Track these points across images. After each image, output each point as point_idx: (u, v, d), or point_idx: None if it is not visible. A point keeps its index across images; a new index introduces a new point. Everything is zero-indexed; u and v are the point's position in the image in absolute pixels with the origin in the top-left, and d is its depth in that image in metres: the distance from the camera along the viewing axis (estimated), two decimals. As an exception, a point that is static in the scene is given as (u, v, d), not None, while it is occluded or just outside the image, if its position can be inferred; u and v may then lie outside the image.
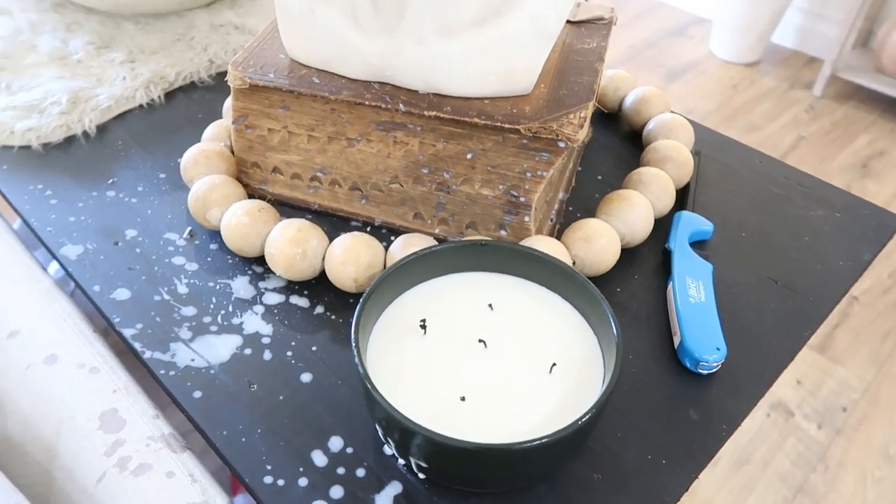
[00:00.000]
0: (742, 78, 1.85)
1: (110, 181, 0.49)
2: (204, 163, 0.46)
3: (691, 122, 0.55)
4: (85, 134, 0.53)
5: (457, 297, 0.37)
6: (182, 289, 0.42)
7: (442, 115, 0.40)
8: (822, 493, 0.99)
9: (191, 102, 0.57)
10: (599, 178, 0.51)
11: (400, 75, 0.41)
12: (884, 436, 1.07)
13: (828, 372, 1.16)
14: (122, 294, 0.41)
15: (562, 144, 0.40)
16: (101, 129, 0.54)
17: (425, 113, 0.41)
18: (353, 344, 0.32)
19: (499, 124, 0.40)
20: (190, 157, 0.46)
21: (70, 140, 0.53)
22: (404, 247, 0.41)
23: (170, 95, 0.58)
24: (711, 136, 0.56)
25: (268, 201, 0.48)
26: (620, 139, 0.55)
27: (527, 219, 0.43)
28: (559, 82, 0.42)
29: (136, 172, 0.50)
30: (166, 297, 0.41)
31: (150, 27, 0.64)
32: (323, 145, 0.45)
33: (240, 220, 0.42)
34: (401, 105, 0.41)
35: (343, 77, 0.43)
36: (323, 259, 0.41)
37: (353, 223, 0.47)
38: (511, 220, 0.43)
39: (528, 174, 0.41)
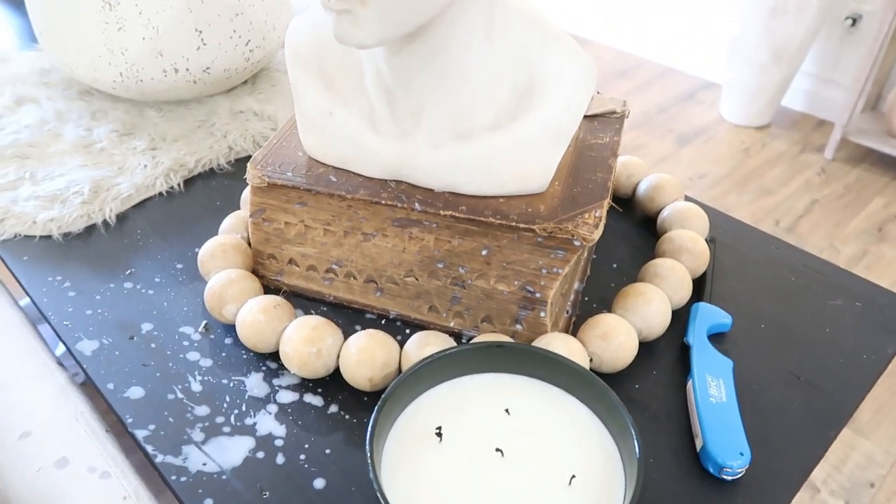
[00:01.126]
0: (753, 141, 1.86)
1: (128, 272, 0.50)
2: (221, 256, 0.46)
3: (705, 207, 0.55)
4: (105, 223, 0.54)
5: (473, 402, 0.36)
6: (196, 386, 0.42)
7: (457, 215, 0.41)
8: (854, 578, 0.95)
9: (209, 190, 0.58)
10: (615, 266, 0.51)
11: (416, 174, 0.42)
12: (915, 514, 1.03)
13: (853, 446, 1.12)
14: (136, 392, 0.41)
15: (577, 243, 0.40)
16: (121, 217, 0.55)
17: (441, 212, 0.41)
18: (369, 456, 0.31)
19: (514, 224, 0.40)
20: (207, 251, 0.47)
21: (90, 230, 0.53)
22: (420, 345, 0.40)
23: (189, 182, 0.59)
24: (726, 221, 0.56)
25: (283, 293, 0.49)
26: (634, 226, 0.55)
27: (542, 314, 0.42)
28: (573, 180, 0.43)
29: (153, 263, 0.51)
30: (180, 395, 0.41)
31: (172, 114, 0.66)
32: (339, 239, 0.45)
33: (255, 318, 0.42)
34: (416, 204, 0.41)
35: (359, 175, 0.43)
36: (338, 357, 0.41)
37: (368, 315, 0.47)
38: (527, 315, 0.43)
39: (544, 271, 0.41)
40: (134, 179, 0.57)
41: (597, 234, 0.39)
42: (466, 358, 0.37)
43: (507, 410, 0.36)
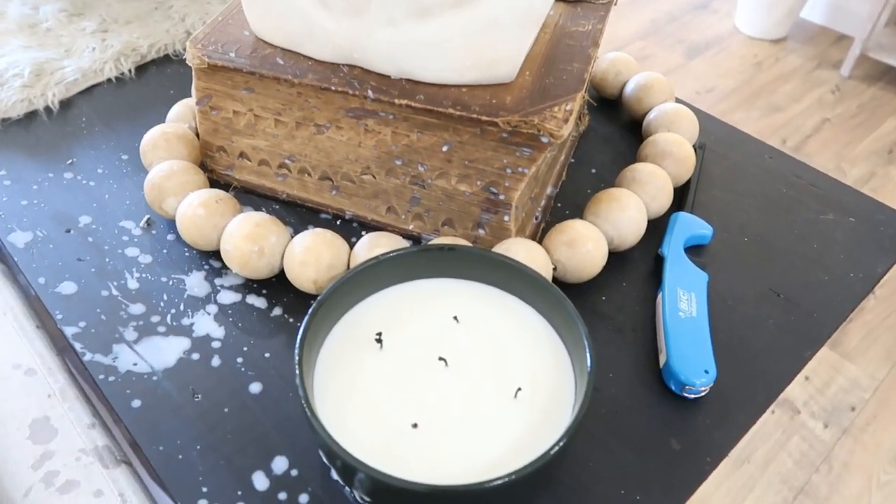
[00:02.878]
0: (767, 55, 1.78)
1: (69, 161, 0.46)
2: (164, 146, 0.43)
3: (697, 111, 0.51)
4: (47, 109, 0.50)
5: (420, 308, 0.34)
6: (132, 283, 0.39)
7: (414, 105, 0.37)
8: (825, 495, 0.96)
9: (163, 77, 0.54)
10: (594, 171, 0.47)
11: (370, 58, 0.37)
12: (892, 438, 1.03)
13: (838, 369, 1.12)
14: (68, 287, 0.39)
15: (545, 140, 0.36)
16: (65, 104, 0.51)
17: (396, 101, 0.37)
18: (297, 361, 0.29)
19: (475, 116, 0.36)
20: (149, 140, 0.43)
21: (31, 116, 0.50)
22: (370, 247, 0.37)
23: (141, 69, 0.54)
24: (719, 127, 0.52)
25: (233, 189, 0.45)
26: (620, 129, 0.51)
27: (506, 218, 0.39)
28: (546, 70, 0.38)
29: (97, 153, 0.47)
30: (115, 292, 0.38)
31: (127, -6, 0.60)
32: (291, 131, 0.42)
33: (195, 212, 0.39)
34: (370, 91, 0.37)
35: (310, 59, 0.39)
36: (282, 257, 0.38)
37: (323, 215, 0.44)
38: (490, 220, 0.40)
39: (509, 170, 0.38)
40: (81, 63, 0.53)
41: (566, 130, 0.35)
42: (414, 261, 0.34)
43: (455, 318, 0.33)
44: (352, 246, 0.38)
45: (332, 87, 0.38)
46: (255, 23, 0.40)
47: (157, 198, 0.41)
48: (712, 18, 1.85)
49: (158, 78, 0.54)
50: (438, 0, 0.35)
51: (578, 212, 0.43)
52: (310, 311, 0.30)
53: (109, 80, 0.53)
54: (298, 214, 0.44)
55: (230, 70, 0.39)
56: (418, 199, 0.41)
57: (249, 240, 0.37)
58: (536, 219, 0.43)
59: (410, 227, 0.42)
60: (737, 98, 1.63)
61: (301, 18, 0.38)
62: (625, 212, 0.40)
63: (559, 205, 0.45)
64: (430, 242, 0.38)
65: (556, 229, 0.39)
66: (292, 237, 0.38)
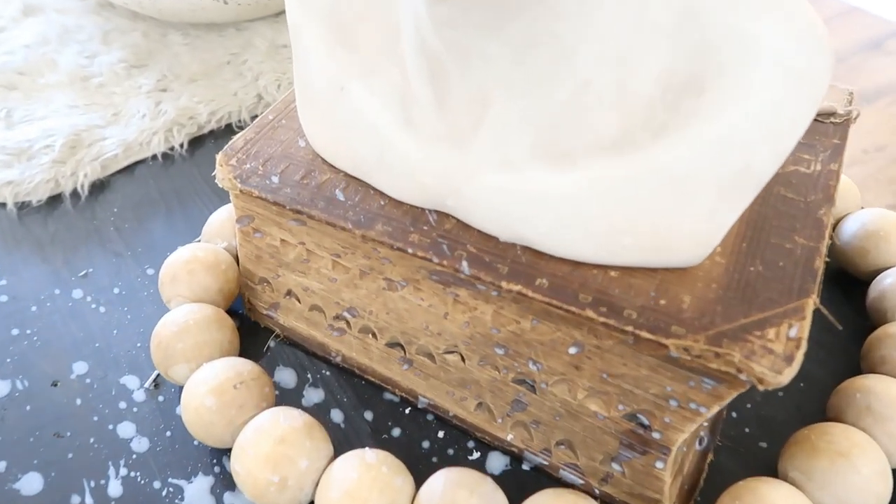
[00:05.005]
0: (951, 106, 1.50)
1: (83, 273, 0.36)
2: (186, 281, 0.32)
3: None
4: (75, 194, 0.40)
5: None
6: (114, 487, 0.28)
7: (530, 294, 0.23)
8: None
9: (219, 156, 0.43)
10: (785, 353, 0.32)
11: (470, 210, 0.24)
12: None
13: None
14: (31, 483, 0.28)
15: (744, 377, 0.21)
16: (97, 187, 0.41)
17: (503, 285, 0.24)
18: None
19: (630, 329, 0.22)
20: (170, 269, 0.32)
21: (54, 202, 0.40)
22: (445, 496, 0.24)
23: (196, 144, 0.44)
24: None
25: (276, 338, 0.34)
26: (827, 288, 0.35)
27: (659, 465, 0.25)
28: (750, 246, 0.24)
29: (118, 262, 0.37)
30: (88, 501, 0.27)
31: (200, 42, 0.51)
32: (353, 278, 0.29)
33: (203, 402, 0.27)
34: (464, 264, 0.24)
35: (382, 195, 0.27)
36: (315, 488, 0.26)
37: (388, 395, 0.31)
38: (632, 458, 0.26)
39: (673, 402, 0.24)
40: (126, 133, 0.43)
41: (787, 375, 0.21)
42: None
43: None
44: (419, 483, 0.26)
45: (409, 250, 0.25)
46: (312, 133, 0.28)
47: (163, 360, 0.29)
48: (887, 60, 1.59)
49: (213, 158, 0.43)
50: (588, 141, 0.22)
51: (758, 456, 0.28)
52: None
53: (155, 156, 0.43)
54: (355, 390, 0.31)
55: (268, 202, 0.27)
56: (524, 404, 0.27)
57: (268, 466, 0.25)
58: (691, 453, 0.28)
59: (509, 437, 0.29)
60: (912, 156, 1.37)
61: (373, 138, 0.25)
62: (857, 471, 0.25)
63: (719, 443, 0.30)
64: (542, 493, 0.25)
65: (734, 494, 0.25)
66: (332, 460, 0.26)
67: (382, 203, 0.26)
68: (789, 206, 0.25)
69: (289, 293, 0.32)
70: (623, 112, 0.21)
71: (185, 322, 0.30)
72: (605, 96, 0.21)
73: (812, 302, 0.22)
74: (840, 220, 0.35)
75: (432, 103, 0.23)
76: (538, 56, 0.21)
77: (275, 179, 0.27)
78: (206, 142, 0.44)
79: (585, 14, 0.20)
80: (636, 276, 0.23)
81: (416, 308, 0.28)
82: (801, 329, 0.21)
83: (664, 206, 0.21)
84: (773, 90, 0.20)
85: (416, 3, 0.21)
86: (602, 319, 0.22)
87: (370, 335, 0.31)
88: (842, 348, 0.31)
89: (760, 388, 0.21)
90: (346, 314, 0.31)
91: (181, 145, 0.43)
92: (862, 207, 0.36)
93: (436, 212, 0.26)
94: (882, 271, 0.32)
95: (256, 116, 0.46)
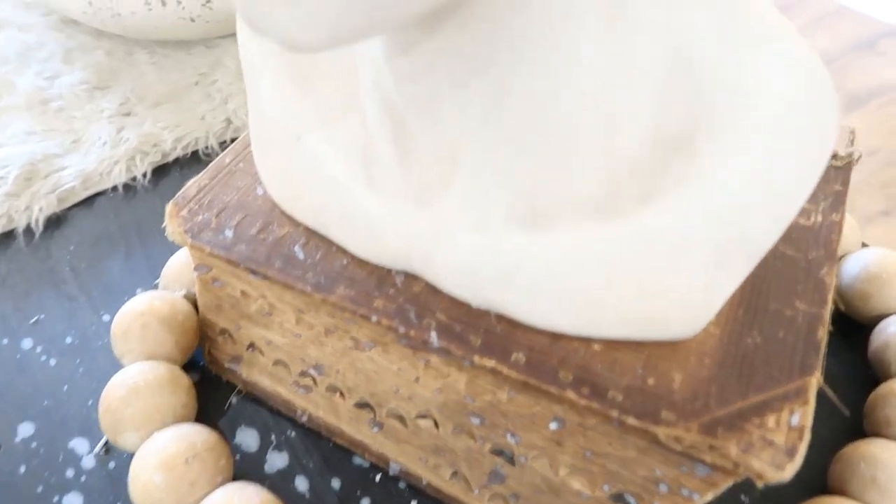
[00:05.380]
0: (944, 108, 1.48)
1: (33, 320, 0.34)
2: (138, 336, 0.29)
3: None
4: (28, 231, 0.38)
5: None
6: (57, 570, 0.26)
7: (504, 371, 0.21)
8: None
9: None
10: (783, 405, 0.30)
11: (440, 274, 0.22)
12: None
13: None
14: (-33, 565, 0.26)
15: (740, 469, 0.19)
16: (53, 223, 0.38)
17: (475, 360, 0.21)
18: None
19: (614, 414, 0.20)
20: (121, 323, 0.30)
21: (6, 239, 0.38)
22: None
23: (160, 173, 0.42)
24: None
25: (238, 394, 0.31)
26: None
27: (649, 549, 0.23)
28: (748, 313, 0.22)
29: (72, 307, 0.34)
30: (27, 585, 0.25)
31: (168, 61, 0.48)
32: (318, 335, 0.27)
33: (151, 478, 0.25)
34: (433, 335, 0.22)
35: (345, 252, 0.24)
36: (274, 575, 0.24)
37: (358, 461, 0.29)
38: (619, 539, 0.24)
39: (663, 487, 0.21)
40: (85, 163, 0.41)
41: (790, 469, 0.19)
42: None
43: None
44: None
45: (373, 318, 0.23)
46: (269, 183, 0.25)
47: (112, 426, 0.27)
48: (879, 61, 1.57)
49: (178, 189, 0.41)
50: (568, 203, 0.19)
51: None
52: None
53: (115, 187, 0.40)
54: (321, 453, 0.29)
55: (219, 258, 0.25)
56: (503, 476, 0.25)
57: (220, 554, 0.23)
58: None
59: (487, 509, 0.27)
60: (905, 159, 1.36)
61: (333, 192, 0.23)
62: (862, 554, 0.23)
63: None
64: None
65: (737, 578, 0.23)
66: (292, 543, 0.24)
67: (345, 262, 0.24)
68: (789, 264, 0.23)
69: (252, 346, 0.30)
70: (608, 173, 0.19)
71: (136, 384, 0.27)
72: (588, 156, 0.19)
73: (815, 381, 0.20)
74: (840, 259, 0.33)
75: (395, 160, 0.21)
76: (512, 112, 0.18)
77: (229, 234, 0.25)
78: (171, 171, 0.42)
79: (565, 66, 0.18)
80: (622, 351, 0.21)
81: (386, 370, 0.26)
82: (803, 416, 0.19)
83: (652, 277, 0.19)
84: (772, 145, 0.18)
85: (374, 53, 0.19)
86: (584, 402, 0.20)
87: (338, 394, 0.28)
88: (842, 400, 0.29)
89: (760, 483, 0.19)
90: (312, 371, 0.29)
91: (144, 175, 0.41)
92: (863, 244, 0.34)
93: (403, 273, 0.23)
94: (885, 317, 0.30)
95: (225, 143, 0.43)
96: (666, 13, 0.18)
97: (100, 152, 0.41)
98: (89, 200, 0.40)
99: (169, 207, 0.26)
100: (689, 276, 0.19)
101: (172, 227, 0.25)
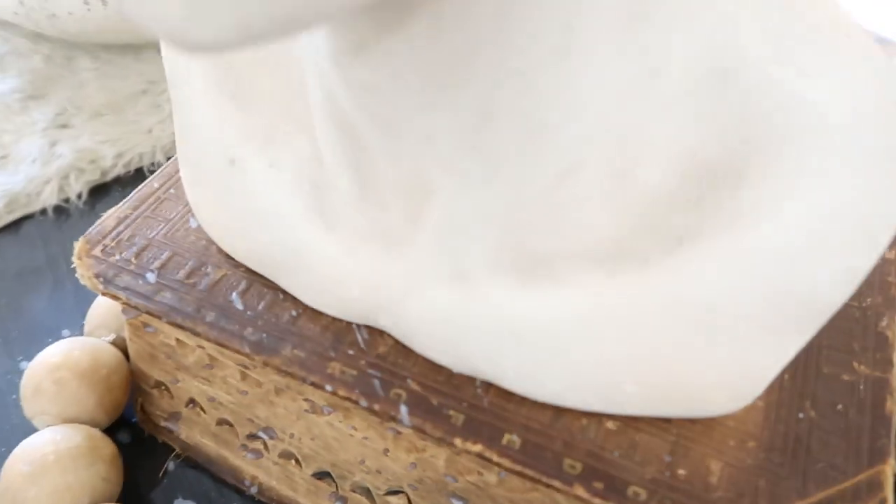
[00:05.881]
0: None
1: (-65, 372, 0.29)
2: (52, 393, 0.24)
3: None
4: (-62, 264, 0.33)
5: None
6: None
7: (494, 460, 0.17)
8: None
9: (125, 209, 0.36)
10: None
11: (412, 330, 0.18)
12: None
13: None
14: None
15: (800, 586, 0.15)
16: (-31, 253, 0.33)
17: (457, 443, 0.17)
18: None
19: (636, 518, 0.15)
20: (31, 378, 0.25)
21: (-88, 273, 0.32)
22: None
23: (99, 192, 0.37)
24: None
25: (175, 457, 0.26)
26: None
27: None
28: (797, 379, 0.17)
29: (-17, 356, 0.29)
30: None
31: (111, 67, 0.43)
32: (267, 394, 0.22)
33: (54, 583, 0.20)
34: (403, 412, 0.17)
35: (296, 301, 0.20)
36: None
37: (318, 541, 0.24)
38: None
39: None
40: (13, 181, 0.36)
41: None
42: None
43: None
44: None
45: (328, 387, 0.18)
46: (203, 215, 0.21)
47: (13, 511, 0.22)
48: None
49: (119, 210, 0.36)
50: (570, 249, 0.15)
51: None
52: None
53: (45, 210, 0.35)
54: (274, 533, 0.24)
55: (137, 309, 0.20)
56: (493, 569, 0.21)
57: None
58: None
59: None
60: None
61: (277, 229, 0.18)
62: None
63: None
64: None
65: None
66: None
67: (295, 314, 0.19)
68: (840, 315, 0.19)
69: (192, 402, 0.25)
70: (622, 210, 0.15)
71: (44, 457, 0.22)
72: (597, 188, 0.15)
73: (889, 470, 0.16)
74: None
75: (354, 189, 0.16)
76: (502, 134, 0.14)
77: (151, 277, 0.20)
78: (112, 191, 0.37)
79: (568, 75, 0.13)
80: (643, 430, 0.16)
81: (348, 438, 0.21)
82: (880, 520, 0.15)
83: (685, 342, 0.15)
84: (846, 181, 0.14)
85: (321, 59, 0.14)
86: (598, 501, 0.16)
87: (293, 462, 0.24)
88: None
89: None
90: (262, 434, 0.24)
91: (79, 196, 0.36)
92: None
93: (366, 329, 0.19)
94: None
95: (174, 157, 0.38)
96: (701, 7, 0.14)
97: (29, 170, 0.36)
98: (14, 226, 0.35)
99: (78, 245, 0.21)
100: (730, 345, 0.15)
101: (82, 269, 0.21)
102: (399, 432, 0.20)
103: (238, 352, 0.19)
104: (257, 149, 0.18)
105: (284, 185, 0.17)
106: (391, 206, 0.16)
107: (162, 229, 0.22)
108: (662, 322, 0.15)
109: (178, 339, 0.23)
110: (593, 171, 0.14)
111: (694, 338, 0.15)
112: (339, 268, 0.17)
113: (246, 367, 0.22)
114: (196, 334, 0.19)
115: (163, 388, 0.26)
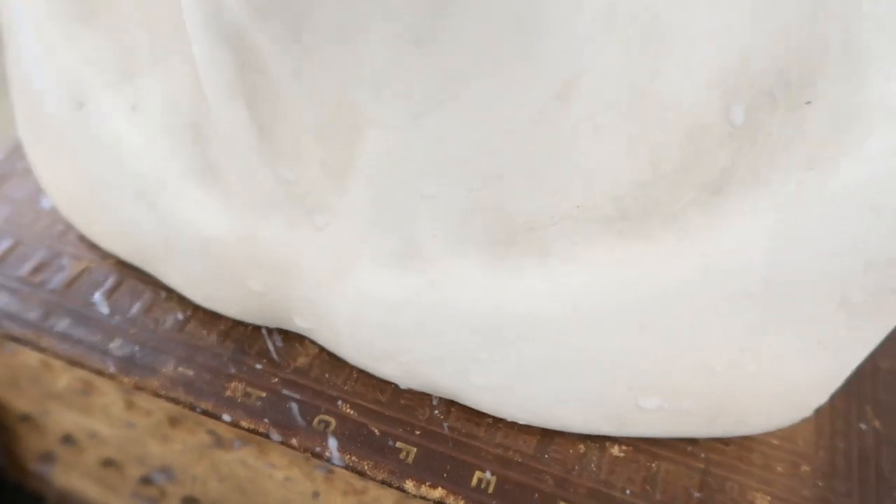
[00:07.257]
0: None
1: None
2: None
3: None
4: None
5: None
6: None
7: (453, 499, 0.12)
8: None
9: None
10: None
11: (340, 332, 0.13)
12: None
13: None
14: None
15: None
16: None
17: (408, 487, 0.12)
18: None
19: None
20: None
21: None
22: None
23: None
24: None
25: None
26: None
27: None
28: (852, 382, 0.13)
29: None
30: None
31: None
32: (160, 426, 0.17)
33: None
34: (333, 445, 0.12)
35: (183, 300, 0.14)
36: None
37: None
38: None
39: None
40: None
41: None
42: None
43: None
44: None
45: (226, 418, 0.13)
46: (52, 188, 0.15)
47: None
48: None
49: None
50: (571, 202, 0.11)
51: None
52: None
53: None
54: None
55: (-31, 321, 0.15)
56: None
57: None
58: None
59: None
60: None
61: (144, 198, 0.13)
62: None
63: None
64: None
65: None
66: None
67: (182, 317, 0.14)
68: None
69: (68, 439, 0.20)
70: (638, 143, 0.10)
71: None
72: (606, 111, 0.10)
73: None
74: None
75: (247, 137, 0.11)
76: (465, 30, 0.09)
77: (-18, 276, 0.15)
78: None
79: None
80: (662, 457, 0.12)
81: (266, 479, 0.16)
82: None
83: (726, 333, 0.11)
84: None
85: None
86: (608, 562, 0.11)
87: (199, 509, 0.19)
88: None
89: None
90: (157, 476, 0.19)
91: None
92: None
93: (280, 332, 0.14)
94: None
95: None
96: None
97: None
98: None
99: None
100: (798, 327, 0.10)
101: None
102: (332, 470, 0.15)
103: (99, 372, 0.14)
104: (114, 83, 0.12)
105: (153, 134, 0.12)
106: (303, 156, 0.11)
107: (5, 212, 0.16)
108: (695, 303, 0.10)
109: (41, 360, 0.18)
110: (599, 83, 0.10)
111: (740, 324, 0.10)
112: (234, 249, 0.12)
113: (129, 392, 0.17)
114: (40, 349, 0.14)
115: (30, 422, 0.20)
